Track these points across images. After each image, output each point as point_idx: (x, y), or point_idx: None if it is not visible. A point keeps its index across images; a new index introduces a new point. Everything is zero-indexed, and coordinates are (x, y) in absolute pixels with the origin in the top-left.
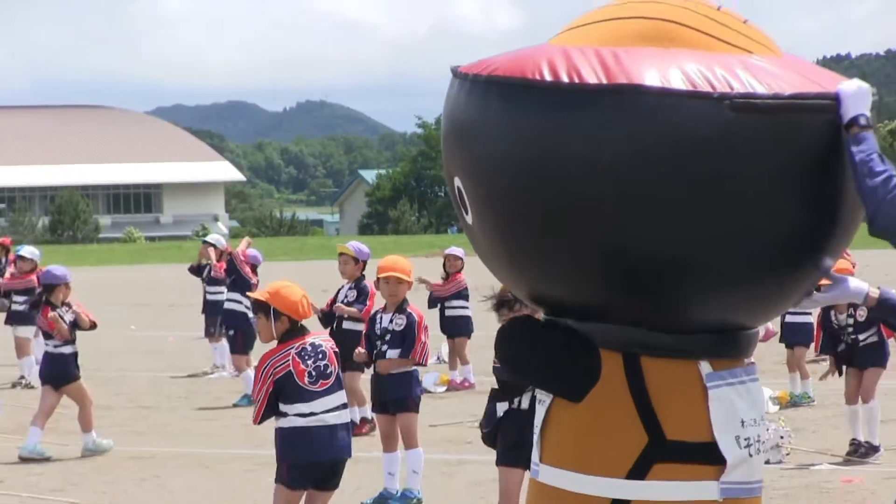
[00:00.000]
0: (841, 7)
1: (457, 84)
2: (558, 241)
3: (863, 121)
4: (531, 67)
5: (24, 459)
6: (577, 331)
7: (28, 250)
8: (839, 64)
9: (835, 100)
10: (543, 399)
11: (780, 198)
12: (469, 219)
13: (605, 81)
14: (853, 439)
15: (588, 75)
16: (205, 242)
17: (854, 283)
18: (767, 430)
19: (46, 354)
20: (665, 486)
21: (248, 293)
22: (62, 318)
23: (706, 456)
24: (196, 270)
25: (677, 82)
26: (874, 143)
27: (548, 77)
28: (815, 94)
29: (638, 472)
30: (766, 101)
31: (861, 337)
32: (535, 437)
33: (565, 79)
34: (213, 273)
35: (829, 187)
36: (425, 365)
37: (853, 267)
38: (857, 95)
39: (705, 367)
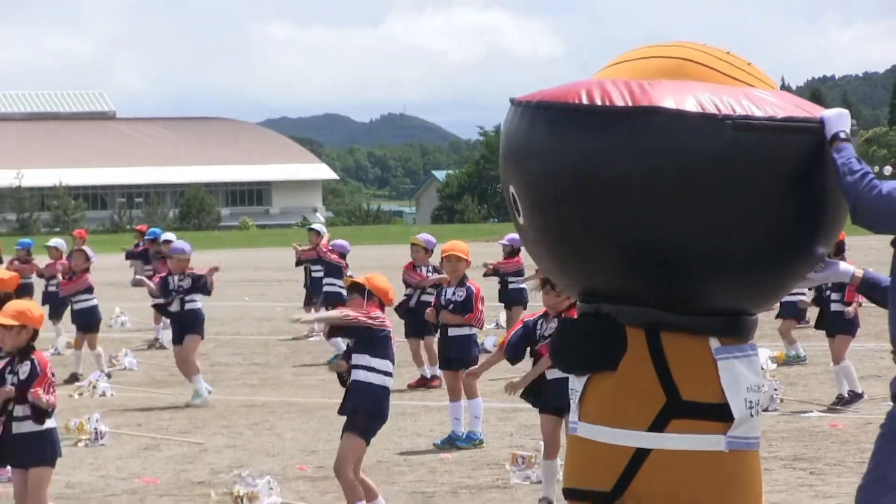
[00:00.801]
0: (827, 34)
1: (512, 110)
2: (592, 239)
3: (842, 135)
4: (572, 94)
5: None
6: (607, 316)
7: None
8: (824, 84)
9: (819, 122)
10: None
11: (775, 202)
12: (521, 220)
13: (630, 104)
14: (839, 394)
15: (617, 100)
16: (310, 230)
17: (843, 265)
18: (764, 387)
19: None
20: (680, 438)
21: (345, 277)
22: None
23: (715, 414)
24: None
25: (690, 106)
26: (852, 151)
27: (585, 101)
28: (802, 118)
29: (658, 425)
30: (763, 122)
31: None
32: (575, 402)
33: (598, 102)
34: (318, 255)
35: (815, 191)
36: (481, 328)
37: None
38: (838, 118)
39: (714, 342)
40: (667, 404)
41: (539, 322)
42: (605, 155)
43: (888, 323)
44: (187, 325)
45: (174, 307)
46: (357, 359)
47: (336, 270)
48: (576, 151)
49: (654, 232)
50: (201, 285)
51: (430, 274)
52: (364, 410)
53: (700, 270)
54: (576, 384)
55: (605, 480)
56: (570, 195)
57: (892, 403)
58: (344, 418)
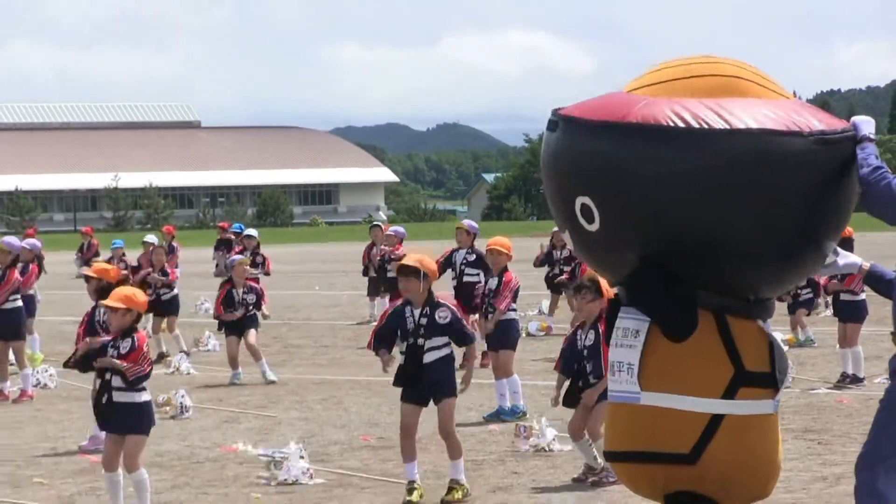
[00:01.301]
0: (833, 51)
1: (568, 126)
2: (668, 236)
3: (870, 135)
4: (663, 117)
5: (234, 384)
6: (685, 294)
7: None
8: (832, 96)
9: (832, 137)
10: (634, 344)
11: (806, 204)
12: (593, 227)
13: (728, 127)
14: (843, 372)
15: (714, 122)
16: (373, 226)
17: (851, 258)
18: None
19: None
20: (747, 404)
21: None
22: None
23: (767, 382)
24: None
25: (772, 123)
26: (874, 149)
27: (680, 124)
28: (851, 129)
29: (729, 393)
30: (837, 135)
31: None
32: (630, 376)
33: (695, 125)
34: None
35: (835, 195)
36: (504, 312)
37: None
38: (867, 123)
39: (761, 323)
40: (735, 375)
41: (577, 334)
42: (700, 172)
43: (892, 312)
44: (247, 324)
45: (239, 313)
46: (435, 341)
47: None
48: (672, 171)
49: (709, 233)
50: (257, 303)
51: (467, 257)
52: (452, 379)
53: (740, 263)
54: (628, 357)
55: (682, 444)
56: (668, 210)
57: (889, 381)
58: (398, 391)
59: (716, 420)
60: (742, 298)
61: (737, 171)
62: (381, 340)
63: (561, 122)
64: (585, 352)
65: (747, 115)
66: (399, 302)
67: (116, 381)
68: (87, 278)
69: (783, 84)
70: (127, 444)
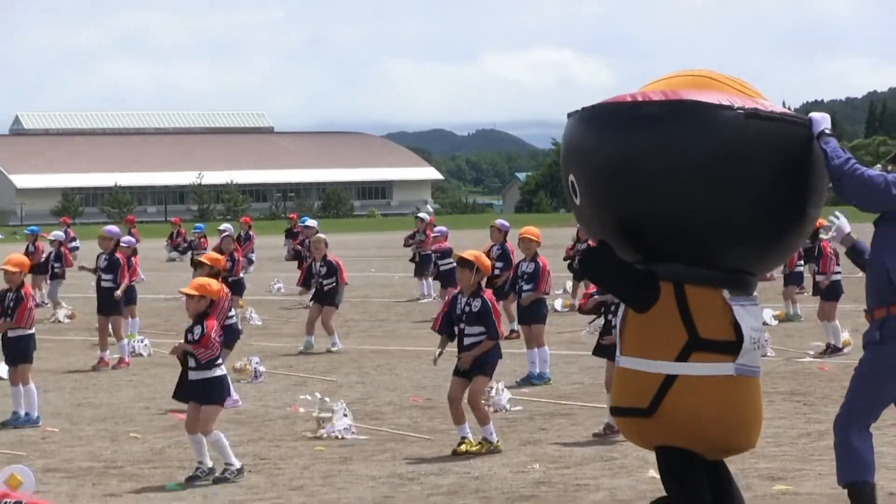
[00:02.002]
0: (816, 66)
1: (569, 120)
2: (630, 205)
3: (827, 130)
4: (617, 99)
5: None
6: (645, 271)
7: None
8: (815, 106)
9: (807, 121)
10: (619, 314)
11: (775, 185)
12: (578, 201)
13: (664, 99)
14: (827, 343)
15: (656, 97)
16: (417, 217)
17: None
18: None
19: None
20: (699, 366)
21: (454, 254)
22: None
23: (727, 348)
24: (411, 237)
25: (710, 99)
26: (837, 142)
27: (628, 100)
28: (796, 116)
29: (682, 357)
30: (767, 113)
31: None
32: (617, 340)
33: (639, 98)
34: (420, 238)
35: (806, 177)
36: (548, 294)
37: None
38: (822, 118)
39: (726, 293)
40: (688, 341)
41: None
42: (645, 147)
43: (865, 290)
44: (325, 299)
45: (314, 287)
46: (473, 329)
47: (447, 252)
48: (620, 146)
49: (680, 207)
50: (335, 272)
51: (495, 251)
52: (494, 359)
53: (716, 238)
54: (618, 323)
55: (642, 400)
56: (616, 181)
57: (863, 351)
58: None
59: (669, 380)
60: (703, 268)
61: (674, 142)
62: (445, 323)
63: (567, 117)
64: (464, 316)
65: (691, 95)
66: (458, 290)
67: (192, 362)
68: (200, 264)
69: (770, 94)
70: (203, 412)
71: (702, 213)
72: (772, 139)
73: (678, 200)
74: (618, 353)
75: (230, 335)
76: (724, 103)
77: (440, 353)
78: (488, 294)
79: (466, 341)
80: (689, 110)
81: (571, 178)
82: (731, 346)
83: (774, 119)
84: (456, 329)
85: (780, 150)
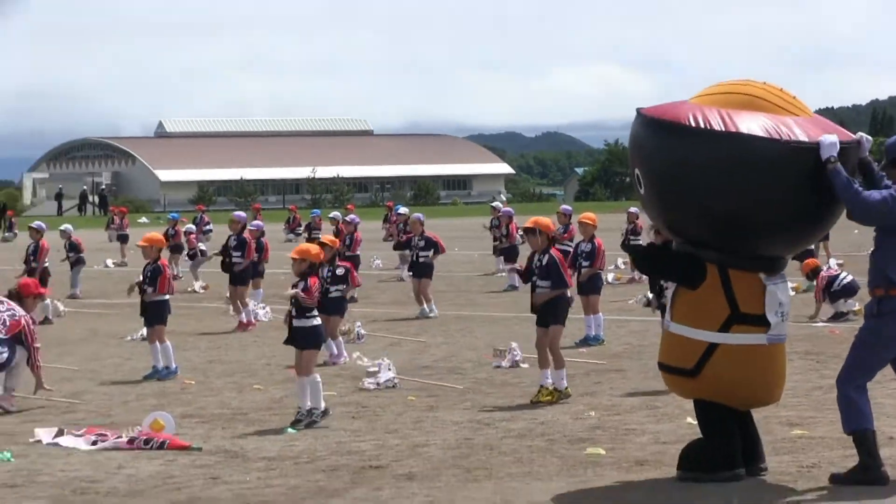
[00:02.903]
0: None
1: (637, 116)
2: (687, 206)
3: (832, 159)
4: (683, 116)
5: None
6: (694, 254)
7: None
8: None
9: (845, 144)
10: (670, 287)
11: (805, 193)
12: (642, 192)
13: (723, 129)
14: (836, 311)
15: (716, 125)
16: (492, 207)
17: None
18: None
19: None
20: (738, 336)
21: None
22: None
23: (761, 322)
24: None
25: (761, 130)
26: (843, 171)
27: (692, 123)
28: (810, 142)
29: (724, 328)
30: (807, 144)
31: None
32: (668, 308)
33: (702, 125)
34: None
35: (826, 189)
36: (603, 268)
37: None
38: (830, 146)
39: (762, 276)
40: (730, 315)
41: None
42: (701, 161)
43: (868, 271)
44: (422, 272)
45: (411, 259)
46: (544, 283)
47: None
48: (682, 156)
49: (727, 213)
50: (433, 245)
51: (561, 230)
52: (565, 309)
53: (755, 232)
54: (669, 297)
55: (688, 362)
56: (673, 184)
57: (863, 320)
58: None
59: (712, 347)
60: (747, 257)
61: (727, 162)
62: (527, 275)
63: (636, 114)
64: (536, 270)
65: (744, 123)
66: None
67: (294, 311)
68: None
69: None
70: (303, 357)
71: (745, 217)
72: (808, 163)
73: (725, 209)
74: (668, 318)
75: (338, 305)
76: (773, 136)
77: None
78: (555, 251)
79: (538, 291)
80: (744, 141)
81: (637, 171)
82: (764, 319)
83: (812, 149)
84: (531, 282)
85: (815, 170)
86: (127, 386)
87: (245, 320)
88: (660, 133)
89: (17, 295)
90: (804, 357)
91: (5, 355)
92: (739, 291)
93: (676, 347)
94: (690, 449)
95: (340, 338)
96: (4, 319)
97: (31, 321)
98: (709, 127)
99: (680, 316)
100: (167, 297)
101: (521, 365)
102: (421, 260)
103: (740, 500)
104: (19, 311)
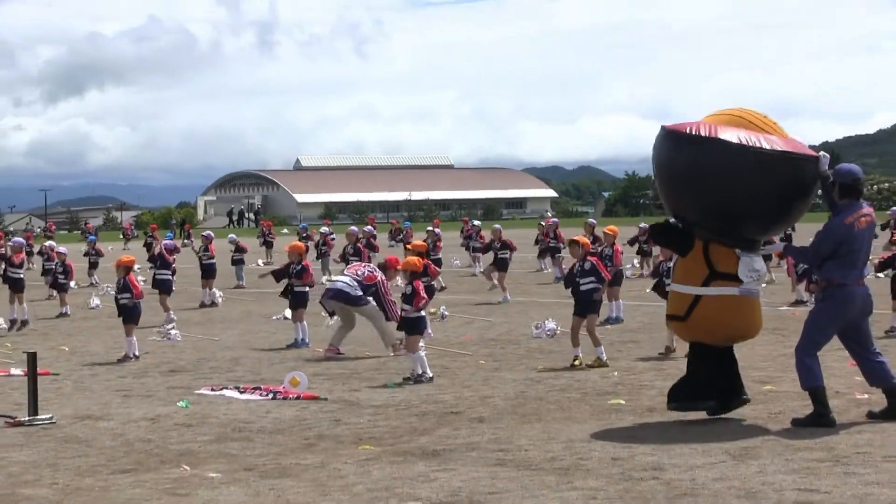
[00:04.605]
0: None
1: (659, 133)
2: (684, 200)
3: (825, 171)
4: (681, 128)
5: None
6: (688, 231)
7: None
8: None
9: (805, 158)
10: (674, 258)
11: (776, 192)
12: (657, 184)
13: (707, 135)
14: (796, 298)
15: (703, 132)
16: (540, 224)
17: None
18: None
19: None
20: (716, 289)
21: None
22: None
23: (733, 278)
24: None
25: (734, 139)
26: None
27: (686, 131)
28: (795, 154)
29: (706, 283)
30: (767, 151)
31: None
32: (672, 274)
33: (693, 132)
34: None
35: (794, 189)
36: (619, 265)
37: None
38: (825, 159)
39: (738, 250)
40: (709, 274)
41: (662, 266)
42: (692, 160)
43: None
44: (502, 265)
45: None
46: (585, 280)
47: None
48: (677, 156)
49: (719, 202)
50: (507, 245)
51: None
52: (599, 302)
53: (734, 221)
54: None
55: (681, 310)
56: (676, 179)
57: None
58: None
59: (697, 298)
60: (727, 236)
61: (707, 160)
62: (569, 279)
63: (660, 128)
64: (578, 273)
65: (724, 132)
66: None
67: (405, 305)
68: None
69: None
70: (409, 340)
71: (727, 210)
72: (778, 169)
73: (709, 202)
74: (671, 280)
75: (429, 292)
76: (742, 142)
77: None
78: (593, 258)
79: (582, 288)
80: (723, 146)
81: (653, 169)
82: (737, 277)
83: (783, 157)
84: (573, 283)
85: (786, 176)
86: (273, 353)
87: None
88: (667, 143)
89: (384, 266)
90: (772, 332)
91: (358, 292)
92: (715, 257)
93: (675, 300)
94: (676, 384)
95: (427, 320)
96: (364, 272)
97: (385, 282)
98: (697, 133)
99: (676, 277)
100: (307, 288)
101: (557, 333)
102: (500, 256)
103: (727, 439)
104: (380, 273)
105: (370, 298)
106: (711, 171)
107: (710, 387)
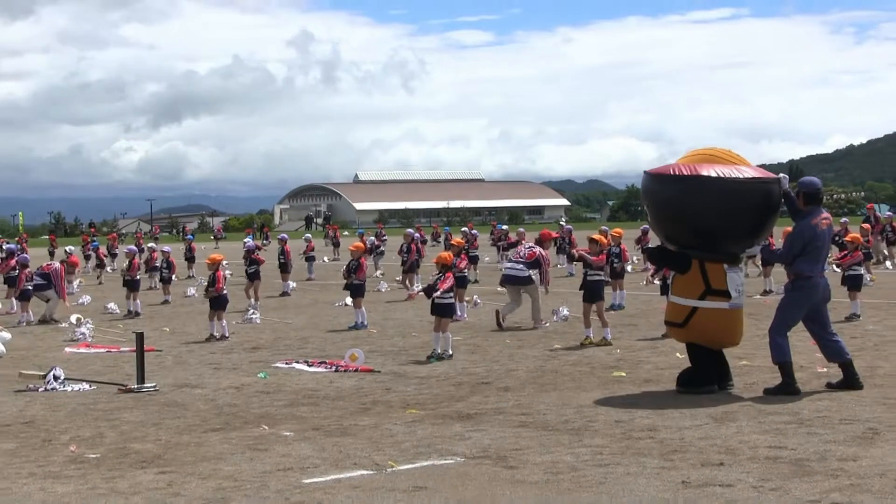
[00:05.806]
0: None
1: (644, 174)
2: (677, 227)
3: (786, 188)
4: (666, 169)
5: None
6: (685, 253)
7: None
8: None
9: (770, 180)
10: (672, 274)
11: (751, 213)
12: (649, 220)
13: (689, 174)
14: (764, 289)
15: (685, 171)
16: (560, 225)
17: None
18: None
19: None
20: (711, 303)
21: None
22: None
23: (724, 295)
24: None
25: (712, 173)
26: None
27: (671, 172)
28: (762, 178)
29: (701, 297)
30: (744, 179)
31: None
32: (670, 287)
33: (676, 172)
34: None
35: (766, 210)
36: (626, 262)
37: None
38: (784, 179)
39: (725, 266)
40: (705, 290)
41: (664, 276)
42: (680, 195)
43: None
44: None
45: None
46: (591, 272)
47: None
48: (668, 193)
49: (700, 228)
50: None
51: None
52: (603, 290)
53: (720, 239)
54: (671, 279)
55: (680, 318)
56: (668, 212)
57: (784, 291)
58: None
59: (695, 309)
60: (718, 254)
61: (691, 194)
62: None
63: (643, 173)
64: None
65: (704, 169)
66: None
67: (437, 291)
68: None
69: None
70: (441, 322)
71: (714, 231)
72: (751, 192)
73: (699, 226)
74: (670, 292)
75: (463, 282)
76: (721, 175)
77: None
78: (601, 256)
79: (589, 279)
80: (705, 180)
81: (645, 206)
82: (726, 293)
83: (753, 182)
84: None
85: (758, 197)
86: (335, 333)
87: (412, 293)
88: (654, 182)
89: (539, 241)
90: (748, 317)
91: (526, 273)
92: (711, 275)
93: (674, 310)
94: (683, 373)
95: (464, 302)
96: (524, 252)
97: (545, 253)
98: (679, 173)
99: (676, 290)
100: (360, 281)
101: (567, 317)
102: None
103: (710, 405)
104: (538, 248)
105: (532, 274)
106: (698, 202)
107: (710, 374)
